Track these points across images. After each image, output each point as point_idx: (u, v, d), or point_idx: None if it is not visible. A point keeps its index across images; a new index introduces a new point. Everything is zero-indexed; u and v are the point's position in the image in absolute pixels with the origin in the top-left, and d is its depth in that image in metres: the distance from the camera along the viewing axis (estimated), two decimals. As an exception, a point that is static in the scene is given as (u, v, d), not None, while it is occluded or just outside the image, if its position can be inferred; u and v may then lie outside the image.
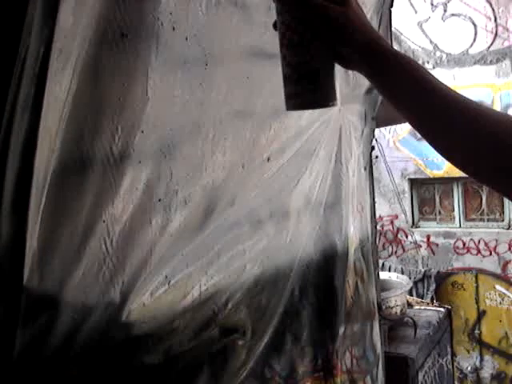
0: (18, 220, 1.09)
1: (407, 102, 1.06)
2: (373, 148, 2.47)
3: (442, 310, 4.12)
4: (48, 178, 1.12)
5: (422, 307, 4.14)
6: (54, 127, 1.11)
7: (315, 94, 1.13)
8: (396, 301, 3.65)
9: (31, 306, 1.15)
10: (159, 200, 1.38)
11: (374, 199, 2.51)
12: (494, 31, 7.82)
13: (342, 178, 2.17)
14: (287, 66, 1.12)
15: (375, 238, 2.51)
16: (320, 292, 2.08)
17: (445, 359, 3.92)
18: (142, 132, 1.28)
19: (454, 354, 7.73)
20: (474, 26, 7.87)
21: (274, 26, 1.13)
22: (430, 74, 1.04)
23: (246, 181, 1.65)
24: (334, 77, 1.14)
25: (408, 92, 1.05)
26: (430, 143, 1.05)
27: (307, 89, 1.12)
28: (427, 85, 1.04)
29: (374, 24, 2.22)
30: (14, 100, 1.02)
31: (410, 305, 4.05)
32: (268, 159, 1.71)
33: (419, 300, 4.55)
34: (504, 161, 0.95)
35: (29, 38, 1.01)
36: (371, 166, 2.48)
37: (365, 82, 2.21)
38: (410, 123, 1.11)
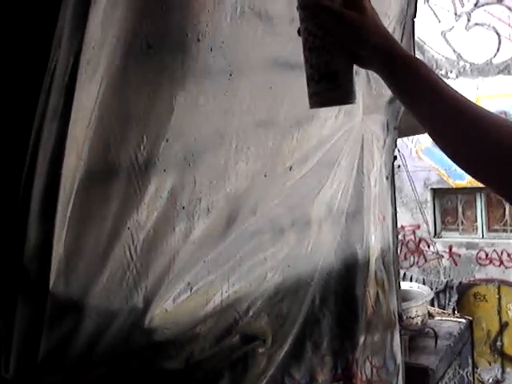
0: (45, 226, 1.11)
1: (418, 102, 1.13)
2: (395, 158, 2.47)
3: (463, 321, 4.09)
4: (75, 185, 1.15)
5: (443, 318, 4.12)
6: (82, 136, 1.14)
7: (335, 92, 1.22)
8: (417, 311, 3.63)
9: (56, 311, 1.17)
10: (183, 208, 1.40)
11: (395, 209, 2.51)
12: (518, 41, 7.77)
13: (363, 188, 2.18)
14: (310, 67, 1.22)
15: (396, 247, 2.51)
16: (340, 301, 2.08)
17: (465, 370, 3.89)
18: (167, 141, 1.31)
19: (475, 366, 7.67)
20: (498, 35, 7.83)
21: (298, 32, 1.22)
22: (441, 79, 1.10)
23: (268, 189, 1.67)
24: (352, 77, 1.24)
25: (419, 92, 1.12)
26: (443, 148, 1.09)
27: (327, 88, 1.21)
28: (436, 85, 1.09)
29: (398, 34, 2.23)
30: (43, 109, 1.05)
31: (431, 315, 4.03)
32: (290, 168, 1.73)
33: (440, 311, 4.53)
34: None
35: (58, 49, 1.04)
36: (393, 176, 2.48)
37: (387, 93, 2.22)
38: (421, 124, 1.14)
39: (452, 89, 1.09)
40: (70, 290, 1.20)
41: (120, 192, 1.25)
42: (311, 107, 1.26)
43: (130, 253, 1.29)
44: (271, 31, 1.55)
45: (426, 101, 1.11)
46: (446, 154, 1.09)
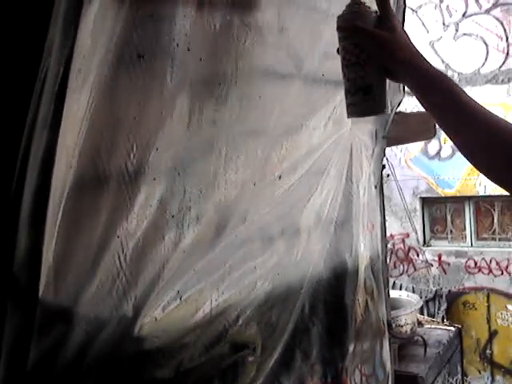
0: (35, 234, 1.11)
1: (444, 114, 1.28)
2: (383, 167, 2.49)
3: (452, 329, 4.11)
4: (65, 193, 1.15)
5: (433, 326, 4.13)
6: (72, 144, 1.14)
7: (369, 102, 1.39)
8: (406, 319, 3.64)
9: (46, 319, 1.17)
10: (172, 216, 1.40)
11: (384, 217, 2.53)
12: (506, 51, 7.84)
13: (352, 197, 2.19)
14: (347, 81, 1.39)
15: (385, 256, 2.52)
16: (330, 309, 2.09)
17: (455, 378, 3.90)
18: (157, 150, 1.31)
19: (465, 374, 7.68)
20: (486, 45, 7.90)
21: (337, 51, 1.38)
22: (465, 92, 1.25)
23: (258, 198, 1.67)
24: (385, 90, 1.40)
25: (444, 105, 1.27)
26: (467, 157, 1.23)
27: (362, 99, 1.38)
28: (459, 99, 1.25)
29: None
30: (33, 117, 1.05)
31: (420, 323, 4.04)
32: (279, 177, 1.74)
33: (430, 319, 4.54)
34: None
35: (49, 58, 1.04)
36: (382, 185, 2.50)
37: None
38: (446, 134, 1.29)
39: (475, 102, 1.22)
40: (59, 298, 1.20)
41: (110, 200, 1.25)
42: (348, 117, 1.44)
43: (120, 261, 1.29)
44: (260, 41, 1.57)
45: (450, 113, 1.25)
46: (470, 161, 1.22)
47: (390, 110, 1.52)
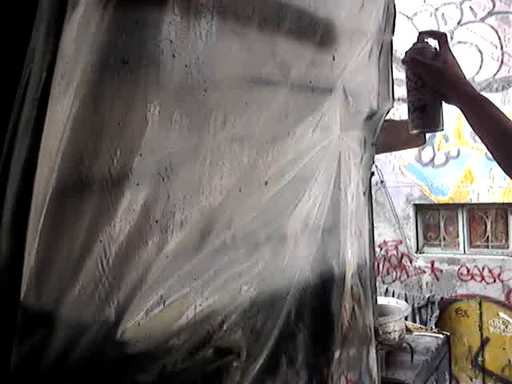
0: (17, 238, 1.12)
1: (487, 133, 1.62)
2: (372, 174, 2.49)
3: (441, 336, 4.11)
4: (47, 198, 1.16)
5: (421, 333, 4.14)
6: (54, 149, 1.15)
7: (424, 120, 1.76)
8: (394, 326, 3.65)
9: (27, 323, 1.18)
10: (156, 221, 1.41)
11: (372, 225, 2.53)
12: (500, 59, 7.88)
13: (340, 203, 2.19)
14: (408, 102, 1.78)
15: (373, 263, 2.53)
16: (316, 316, 2.09)
17: (443, 386, 3.91)
18: (141, 155, 1.32)
19: (457, 382, 7.68)
20: (481, 53, 7.94)
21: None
22: (504, 114, 1.60)
23: (244, 204, 1.68)
24: (439, 110, 1.76)
25: (488, 125, 1.61)
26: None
27: (419, 117, 1.77)
28: (500, 120, 1.58)
29: (375, 53, 2.26)
30: (15, 122, 1.06)
31: (409, 330, 4.05)
32: (266, 183, 1.74)
33: (418, 326, 4.55)
34: None
35: (31, 63, 1.05)
36: (370, 192, 2.50)
37: (364, 109, 2.24)
38: (489, 150, 1.62)
39: None
40: (41, 303, 1.20)
41: (93, 205, 1.25)
42: (410, 132, 1.83)
43: (103, 266, 1.30)
44: (247, 48, 1.57)
45: (491, 132, 1.59)
46: (508, 175, 1.56)
47: (443, 127, 1.79)
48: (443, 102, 1.76)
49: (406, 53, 1.82)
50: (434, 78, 1.72)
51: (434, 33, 1.89)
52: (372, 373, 2.45)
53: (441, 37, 1.82)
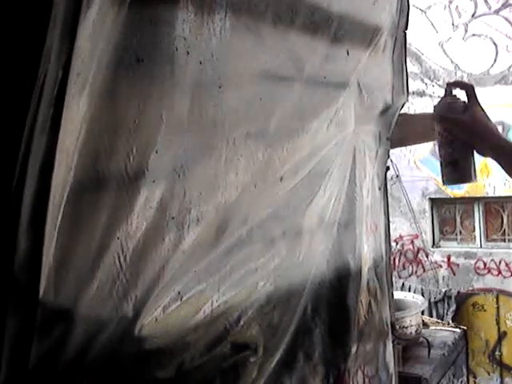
0: (35, 236, 1.13)
1: None
2: (388, 168, 2.49)
3: (457, 330, 4.10)
4: (65, 196, 1.17)
5: (438, 328, 4.12)
6: (71, 148, 1.16)
7: (457, 174, 1.81)
8: (411, 321, 3.64)
9: (46, 320, 1.19)
10: (172, 218, 1.41)
11: (388, 219, 2.53)
12: (516, 51, 7.81)
13: (355, 198, 2.19)
14: (440, 156, 1.84)
15: (389, 257, 2.52)
16: (332, 311, 2.09)
17: (460, 380, 3.89)
18: (157, 152, 1.33)
19: (474, 376, 7.66)
20: (495, 46, 7.87)
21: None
22: None
23: (259, 200, 1.68)
24: (471, 162, 1.80)
25: None
26: None
27: (451, 170, 1.81)
28: None
29: (389, 46, 2.25)
30: (32, 122, 1.07)
31: (425, 325, 4.03)
32: (281, 179, 1.75)
33: (435, 320, 4.53)
34: None
35: (48, 63, 1.06)
36: (386, 186, 2.50)
37: (379, 104, 2.24)
38: None
39: None
40: (59, 299, 1.21)
41: (110, 202, 1.26)
42: (443, 184, 2.06)
43: (120, 262, 1.31)
44: (261, 44, 1.58)
45: None
46: None
47: (476, 178, 1.85)
48: (476, 154, 1.78)
49: (435, 108, 1.85)
50: (463, 132, 1.75)
51: (461, 84, 1.93)
52: (389, 367, 2.45)
53: (468, 88, 1.83)
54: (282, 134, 1.72)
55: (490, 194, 8.17)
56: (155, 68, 1.30)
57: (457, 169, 1.78)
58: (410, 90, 2.33)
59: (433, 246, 8.73)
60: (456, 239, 8.73)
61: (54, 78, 1.08)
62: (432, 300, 8.42)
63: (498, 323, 8.26)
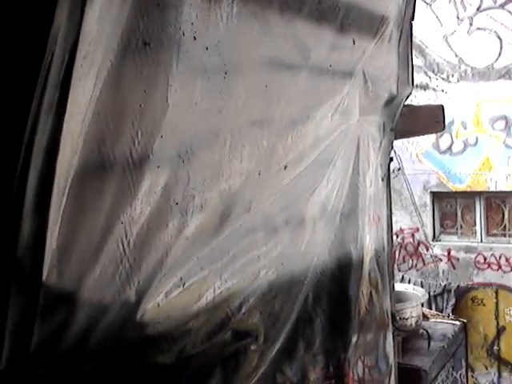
0: (39, 219, 1.13)
1: None
2: (391, 159, 2.48)
3: (457, 323, 4.10)
4: (69, 179, 1.16)
5: (438, 320, 4.13)
6: (77, 131, 1.15)
7: None
8: (411, 312, 3.64)
9: (49, 303, 1.19)
10: (176, 204, 1.41)
11: (391, 210, 2.53)
12: (520, 46, 7.78)
13: (358, 188, 2.19)
14: None
15: (391, 248, 2.52)
16: (334, 300, 2.10)
17: (459, 373, 3.90)
18: (161, 137, 1.32)
19: (472, 370, 7.66)
20: (500, 40, 7.84)
21: None
22: None
23: (263, 188, 1.68)
24: None
25: None
26: None
27: None
28: None
29: (395, 37, 2.24)
30: (38, 104, 1.06)
31: (425, 317, 4.04)
32: (285, 167, 1.74)
33: (435, 313, 4.53)
34: None
35: (54, 45, 1.05)
36: (389, 177, 2.50)
37: (384, 94, 2.23)
38: None
39: None
40: (63, 283, 1.21)
41: (114, 186, 1.26)
42: None
43: (123, 247, 1.31)
44: (267, 31, 1.57)
45: None
46: None
47: None
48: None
49: None
50: None
51: None
52: (389, 358, 2.45)
53: None
54: (287, 122, 1.71)
55: (492, 189, 8.15)
56: (162, 52, 1.29)
57: None
58: (414, 82, 2.32)
59: (433, 240, 8.71)
60: (456, 233, 8.71)
61: (60, 60, 1.07)
62: (431, 293, 8.42)
63: (497, 318, 8.26)
